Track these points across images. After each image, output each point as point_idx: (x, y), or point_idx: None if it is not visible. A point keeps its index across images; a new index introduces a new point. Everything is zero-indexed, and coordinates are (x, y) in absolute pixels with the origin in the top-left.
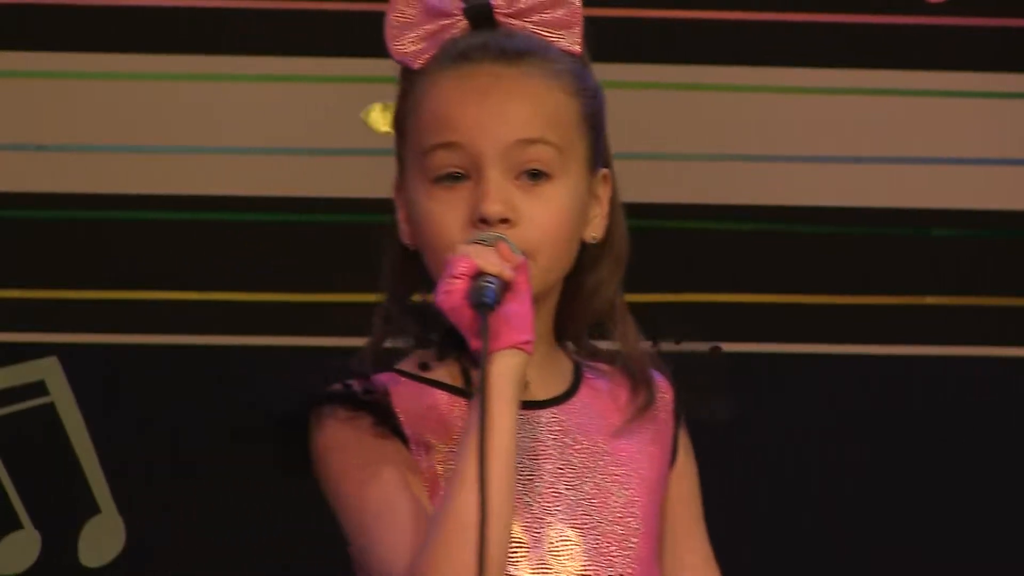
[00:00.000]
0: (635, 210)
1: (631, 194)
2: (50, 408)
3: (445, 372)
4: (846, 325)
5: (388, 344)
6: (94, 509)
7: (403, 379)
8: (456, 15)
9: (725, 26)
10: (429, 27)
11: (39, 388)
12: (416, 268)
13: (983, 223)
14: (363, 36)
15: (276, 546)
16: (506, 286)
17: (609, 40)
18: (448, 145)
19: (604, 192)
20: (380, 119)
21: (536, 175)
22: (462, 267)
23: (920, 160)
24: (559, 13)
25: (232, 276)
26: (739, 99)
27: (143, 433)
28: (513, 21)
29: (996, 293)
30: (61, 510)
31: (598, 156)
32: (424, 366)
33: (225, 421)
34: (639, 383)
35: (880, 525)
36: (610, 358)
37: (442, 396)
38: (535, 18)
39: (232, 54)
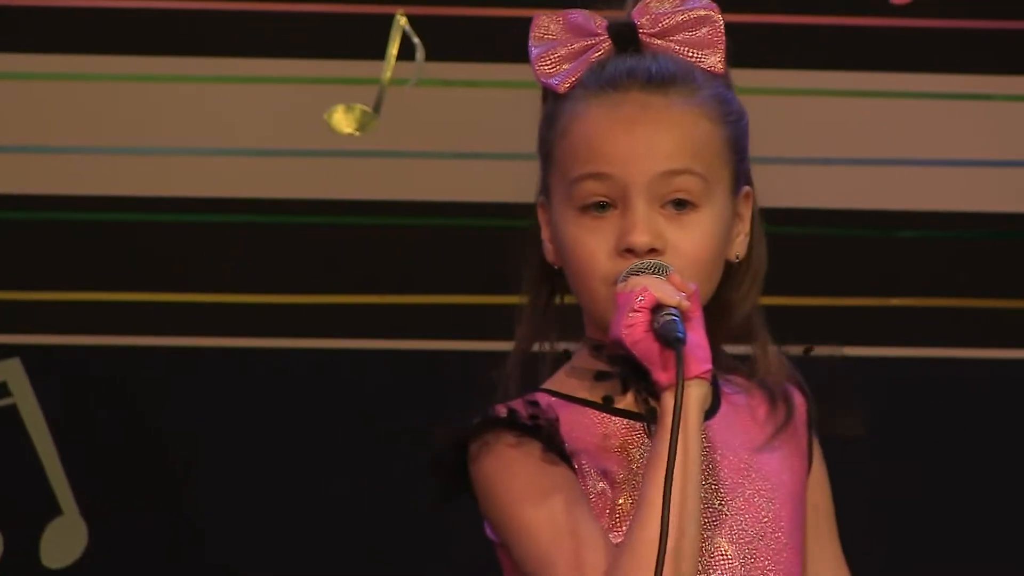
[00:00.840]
0: None
1: None
2: (12, 410)
3: (621, 400)
4: (822, 326)
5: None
6: (56, 510)
7: (557, 400)
8: (600, 34)
9: None
10: (574, 47)
11: (1, 389)
12: (557, 279)
13: (950, 225)
14: (364, 38)
15: (239, 547)
16: (684, 316)
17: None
18: (596, 175)
19: (746, 210)
20: (343, 121)
21: (681, 204)
22: (642, 301)
23: (888, 162)
24: (703, 32)
25: (200, 278)
26: None
27: (105, 435)
28: (657, 41)
29: (963, 295)
30: (23, 511)
31: (741, 177)
32: (609, 399)
33: (196, 423)
34: (777, 398)
35: (876, 525)
36: (747, 372)
37: (619, 423)
38: (679, 37)
39: (230, 56)
